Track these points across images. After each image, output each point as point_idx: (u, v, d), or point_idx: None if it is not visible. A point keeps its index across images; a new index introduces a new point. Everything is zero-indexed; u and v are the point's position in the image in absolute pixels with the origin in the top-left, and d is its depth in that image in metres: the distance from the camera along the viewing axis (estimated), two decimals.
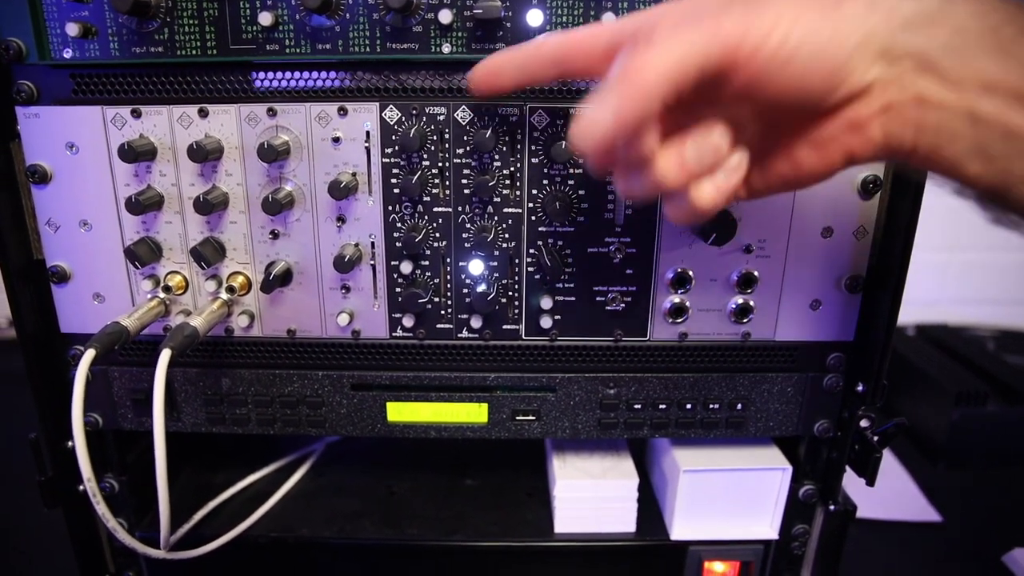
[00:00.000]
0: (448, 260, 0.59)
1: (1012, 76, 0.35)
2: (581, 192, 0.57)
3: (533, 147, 0.56)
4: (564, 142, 0.54)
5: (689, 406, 0.64)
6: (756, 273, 0.59)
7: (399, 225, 0.58)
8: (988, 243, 1.36)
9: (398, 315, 0.61)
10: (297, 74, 0.55)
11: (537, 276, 0.60)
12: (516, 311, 0.61)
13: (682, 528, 0.68)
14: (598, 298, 0.60)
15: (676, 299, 0.60)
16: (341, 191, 0.55)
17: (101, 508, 0.56)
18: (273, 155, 0.54)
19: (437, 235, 0.58)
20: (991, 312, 1.39)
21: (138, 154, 0.54)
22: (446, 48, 0.53)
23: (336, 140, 0.56)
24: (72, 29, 0.52)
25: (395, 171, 0.57)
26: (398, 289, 0.60)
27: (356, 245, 0.58)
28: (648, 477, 0.76)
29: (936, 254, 1.38)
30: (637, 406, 0.64)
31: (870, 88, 0.37)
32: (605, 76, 0.39)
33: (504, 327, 0.61)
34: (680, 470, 0.66)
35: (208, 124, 0.56)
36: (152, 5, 0.51)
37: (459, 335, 0.62)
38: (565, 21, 0.52)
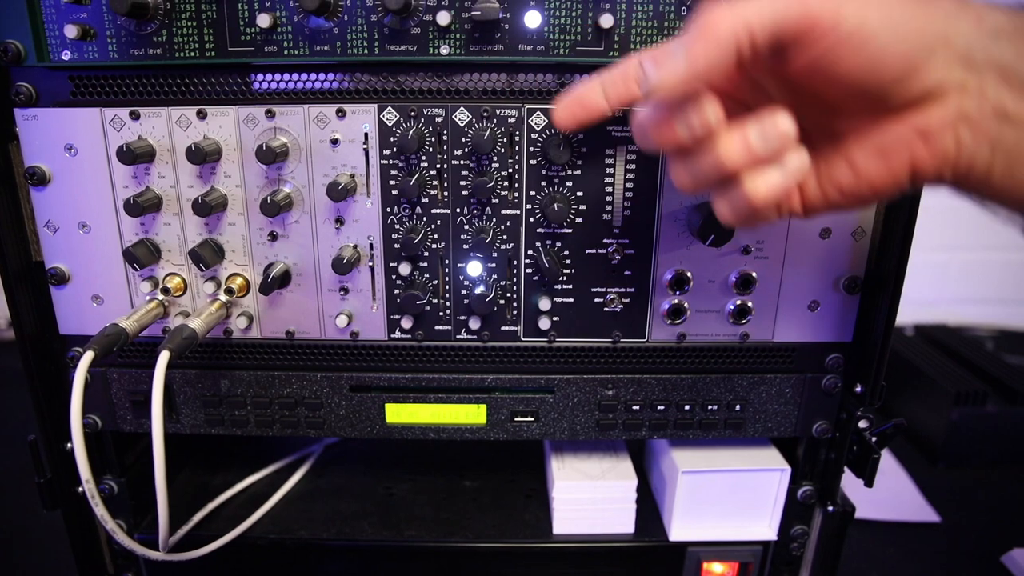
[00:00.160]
0: (446, 262, 0.59)
1: None
2: (579, 194, 0.57)
3: (531, 148, 0.56)
4: (562, 143, 0.54)
5: (688, 407, 0.64)
6: (754, 274, 0.59)
7: (397, 227, 0.58)
8: (987, 243, 1.36)
9: (397, 316, 0.61)
10: (295, 76, 0.55)
11: (535, 277, 0.60)
12: (514, 312, 0.61)
13: (681, 529, 0.68)
14: (596, 299, 0.60)
15: (674, 300, 0.60)
16: (339, 193, 0.55)
17: (100, 510, 0.56)
18: (272, 157, 0.54)
19: (435, 237, 0.58)
20: (990, 312, 1.39)
21: (137, 156, 0.54)
22: (444, 50, 0.53)
23: (334, 142, 0.56)
24: (71, 31, 0.52)
25: (393, 173, 0.57)
26: (396, 291, 0.60)
27: (355, 247, 0.58)
28: (647, 478, 0.76)
29: (935, 254, 1.38)
30: (636, 407, 0.64)
31: (945, 91, 0.35)
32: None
33: (503, 328, 0.61)
34: (679, 471, 0.66)
35: (207, 126, 0.56)
36: (151, 7, 0.51)
37: (457, 336, 0.62)
38: (563, 23, 0.52)
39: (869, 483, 0.61)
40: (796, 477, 0.66)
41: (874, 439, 0.61)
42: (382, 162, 0.56)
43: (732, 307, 0.60)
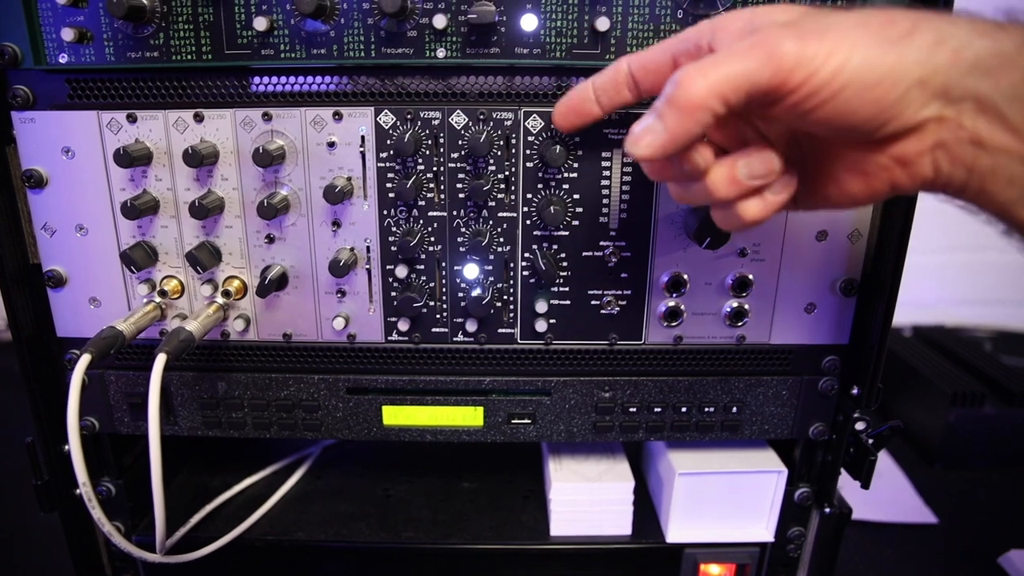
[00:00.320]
0: (443, 264, 0.59)
1: None
2: (576, 196, 0.57)
3: (528, 151, 0.56)
4: (559, 146, 0.55)
5: (684, 409, 0.64)
6: (751, 277, 0.59)
7: (394, 229, 0.58)
8: (985, 244, 1.36)
9: (393, 319, 0.61)
10: (292, 79, 0.55)
11: (532, 280, 0.60)
12: (511, 315, 0.61)
13: (678, 531, 0.68)
14: (593, 302, 0.60)
15: (671, 303, 0.60)
16: (336, 195, 0.55)
17: (97, 512, 0.56)
18: (268, 160, 0.54)
19: (432, 239, 0.59)
20: (988, 313, 1.39)
21: (134, 159, 0.54)
22: (441, 53, 0.53)
23: (331, 145, 0.56)
24: (68, 34, 0.52)
25: (390, 175, 0.57)
26: (393, 293, 0.60)
27: (351, 249, 0.58)
28: (644, 480, 0.76)
29: (933, 255, 1.38)
30: (632, 409, 0.64)
31: (923, 125, 0.37)
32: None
33: (499, 331, 0.61)
34: (676, 473, 0.66)
35: (203, 129, 0.56)
36: (148, 10, 0.51)
37: (454, 339, 0.62)
38: (559, 26, 0.52)
39: (866, 485, 0.62)
40: (793, 479, 0.66)
41: (871, 441, 0.61)
42: (379, 165, 0.56)
43: (728, 309, 0.60)
